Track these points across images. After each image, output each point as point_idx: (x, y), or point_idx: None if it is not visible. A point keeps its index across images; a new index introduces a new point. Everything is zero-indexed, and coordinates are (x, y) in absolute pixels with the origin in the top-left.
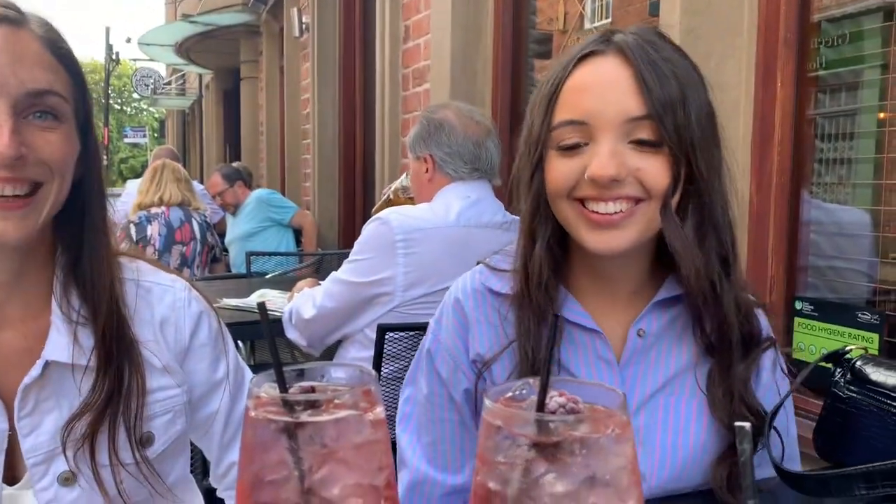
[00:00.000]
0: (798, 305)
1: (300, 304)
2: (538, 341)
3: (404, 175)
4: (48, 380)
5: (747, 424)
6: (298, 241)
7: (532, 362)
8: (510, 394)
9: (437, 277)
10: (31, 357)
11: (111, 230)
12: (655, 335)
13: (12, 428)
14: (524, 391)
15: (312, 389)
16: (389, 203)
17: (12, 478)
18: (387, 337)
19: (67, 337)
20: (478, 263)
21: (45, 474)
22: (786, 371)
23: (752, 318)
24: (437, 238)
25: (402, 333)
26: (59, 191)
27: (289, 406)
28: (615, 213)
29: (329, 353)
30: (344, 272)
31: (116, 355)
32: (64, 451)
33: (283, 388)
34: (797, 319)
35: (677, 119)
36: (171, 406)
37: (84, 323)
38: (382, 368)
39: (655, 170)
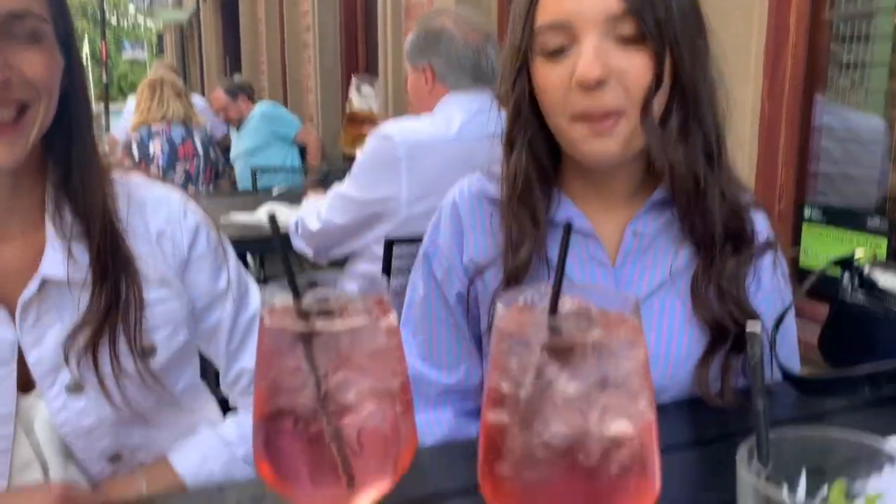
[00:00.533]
0: (807, 212)
1: (306, 215)
2: (529, 245)
3: (353, 89)
4: (47, 295)
5: (758, 329)
6: (303, 158)
7: (519, 266)
8: (522, 299)
9: (441, 191)
10: (30, 272)
11: (101, 146)
12: (651, 237)
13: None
14: (535, 297)
15: (326, 299)
16: (351, 124)
17: (26, 385)
18: (394, 250)
19: (62, 253)
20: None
21: (52, 384)
22: (787, 276)
23: (743, 216)
24: (440, 152)
25: (409, 247)
26: (47, 111)
27: (303, 315)
28: (605, 121)
29: (337, 267)
30: (347, 188)
31: (112, 270)
32: (67, 362)
33: (297, 297)
34: (805, 226)
35: (657, 13)
36: (172, 318)
37: (78, 239)
38: (391, 282)
39: (638, 70)
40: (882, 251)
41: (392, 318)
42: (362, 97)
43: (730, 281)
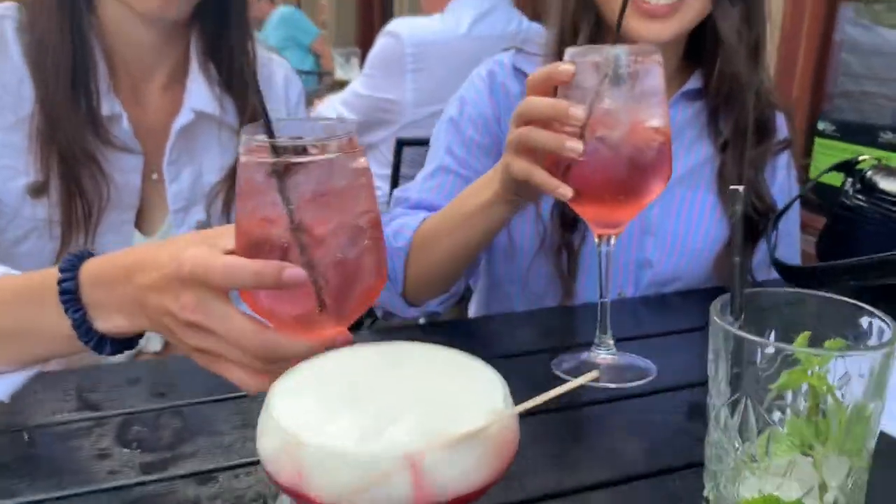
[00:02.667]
0: (820, 126)
1: (323, 110)
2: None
3: (340, 57)
4: (196, 130)
5: (741, 188)
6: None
7: None
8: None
9: (448, 95)
10: (178, 112)
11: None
12: (679, 127)
13: (158, 175)
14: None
15: (299, 137)
16: (332, 90)
17: (147, 229)
18: (404, 151)
19: (209, 91)
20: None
21: (182, 223)
22: (797, 179)
23: (770, 112)
24: (448, 52)
25: (419, 151)
26: None
27: (278, 151)
28: (667, 3)
29: None
30: (358, 84)
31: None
32: (209, 202)
33: (272, 135)
34: (818, 140)
35: None
36: None
37: (222, 88)
38: (400, 183)
39: None
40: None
41: (363, 160)
42: (348, 67)
43: (753, 173)
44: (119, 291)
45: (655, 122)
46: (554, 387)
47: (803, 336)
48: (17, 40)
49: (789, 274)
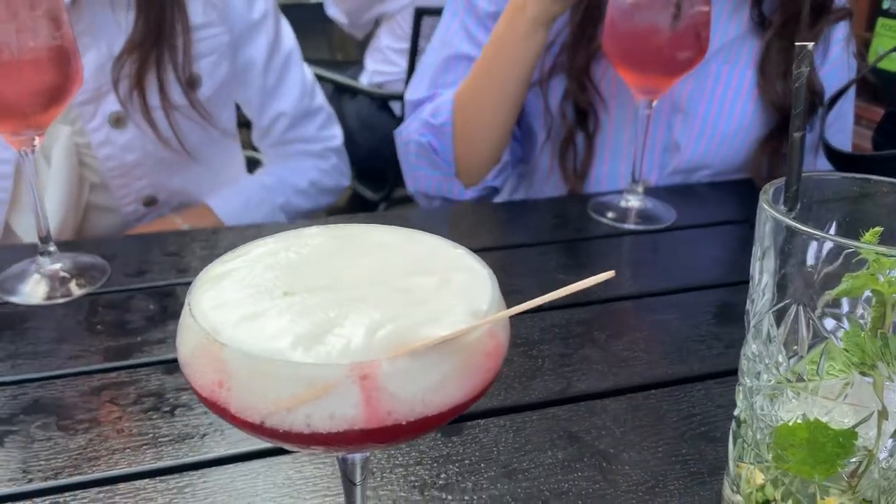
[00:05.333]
0: (885, 4)
1: None
2: None
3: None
4: (82, 12)
5: (810, 45)
6: None
7: None
8: None
9: None
10: None
11: None
12: None
13: None
14: None
15: None
16: None
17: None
18: (423, 22)
19: None
20: None
21: (93, 115)
22: (856, 54)
23: None
24: None
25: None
26: None
27: None
28: None
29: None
30: None
31: None
32: (116, 88)
33: None
34: (881, 20)
35: None
36: (216, 46)
37: None
38: (418, 57)
39: None
40: None
41: None
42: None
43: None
44: None
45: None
46: (559, 282)
47: (873, 232)
48: None
49: (843, 161)
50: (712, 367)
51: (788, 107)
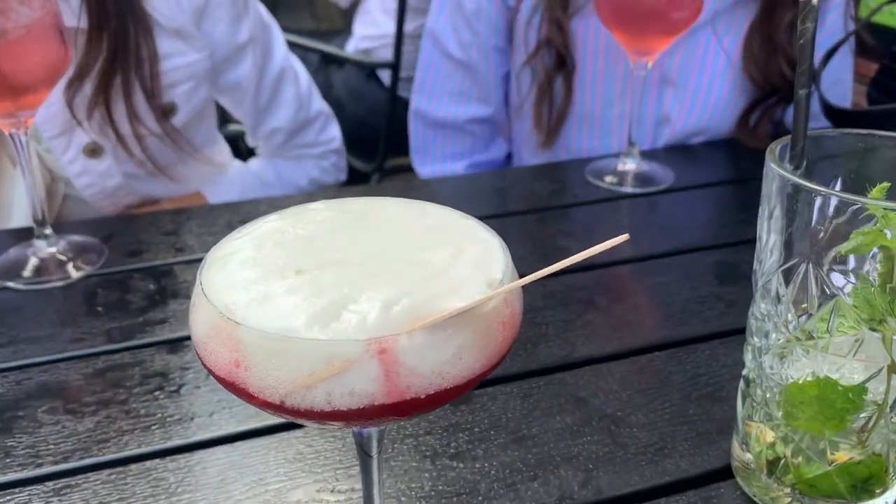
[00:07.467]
0: None
1: None
2: None
3: None
4: None
5: (815, 0)
6: None
7: None
8: None
9: None
10: None
11: None
12: None
13: None
14: None
15: None
16: None
17: None
18: None
19: None
20: None
21: (67, 147)
22: (853, 18)
23: None
24: None
25: None
26: None
27: None
28: None
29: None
30: None
31: (115, 14)
32: (72, 112)
33: None
34: None
35: None
36: (193, 73)
37: None
38: (406, 24)
39: None
40: None
41: None
42: None
43: (786, 33)
44: None
45: None
46: (560, 248)
47: (880, 187)
48: None
49: (840, 117)
50: (715, 328)
51: (769, 79)
